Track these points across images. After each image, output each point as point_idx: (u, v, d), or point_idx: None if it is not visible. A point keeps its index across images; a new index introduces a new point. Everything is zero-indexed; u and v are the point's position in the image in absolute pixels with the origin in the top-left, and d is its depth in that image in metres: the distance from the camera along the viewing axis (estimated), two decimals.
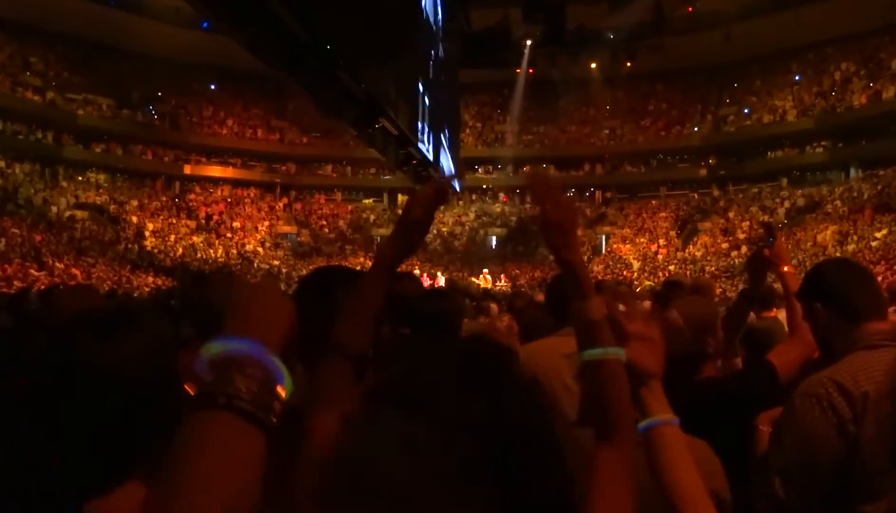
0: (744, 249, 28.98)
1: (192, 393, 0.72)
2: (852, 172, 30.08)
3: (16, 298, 6.06)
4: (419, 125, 15.94)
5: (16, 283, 17.87)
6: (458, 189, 25.12)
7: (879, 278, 15.91)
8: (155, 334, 0.95)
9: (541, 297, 8.19)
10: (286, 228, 36.47)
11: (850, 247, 24.41)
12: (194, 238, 32.94)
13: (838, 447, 1.55)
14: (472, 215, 38.46)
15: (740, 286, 21.43)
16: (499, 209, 38.56)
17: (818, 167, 31.59)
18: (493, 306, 6.85)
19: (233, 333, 0.77)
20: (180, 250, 31.15)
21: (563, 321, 3.14)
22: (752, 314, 5.28)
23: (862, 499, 1.48)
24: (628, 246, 33.25)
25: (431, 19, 17.08)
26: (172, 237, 32.21)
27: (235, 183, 37.76)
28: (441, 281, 24.83)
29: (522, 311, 5.47)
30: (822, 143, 30.96)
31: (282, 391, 0.76)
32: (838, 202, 28.49)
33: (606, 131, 37.61)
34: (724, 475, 1.65)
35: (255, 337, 0.77)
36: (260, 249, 34.18)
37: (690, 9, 30.60)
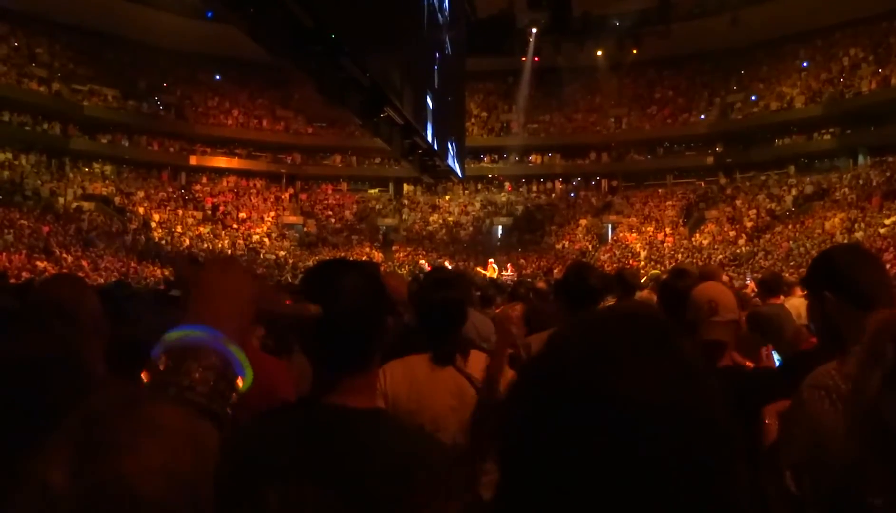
0: (743, 239, 28.90)
1: (145, 381, 0.71)
2: (860, 158, 29.86)
3: (21, 289, 6.07)
4: (424, 114, 15.88)
5: (24, 274, 17.96)
6: (461, 177, 25.03)
7: (888, 266, 15.82)
8: (61, 338, 0.92)
9: (542, 284, 8.15)
10: (292, 219, 36.50)
11: (859, 234, 24.26)
12: (200, 229, 33.02)
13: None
14: (477, 205, 38.40)
15: (748, 275, 21.21)
16: (504, 198, 38.50)
17: (826, 154, 31.37)
18: (498, 299, 6.78)
19: (193, 320, 0.74)
20: (187, 241, 31.25)
21: (572, 311, 3.12)
22: (758, 299, 5.27)
23: (872, 491, 1.46)
24: (634, 234, 33.15)
25: (436, 7, 16.99)
26: (179, 228, 32.30)
27: (241, 173, 37.79)
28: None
29: (526, 299, 5.45)
30: (831, 129, 30.72)
31: (241, 383, 0.73)
32: (846, 189, 28.30)
33: (612, 119, 37.43)
34: None
35: (215, 325, 0.74)
36: (266, 240, 34.24)
37: None
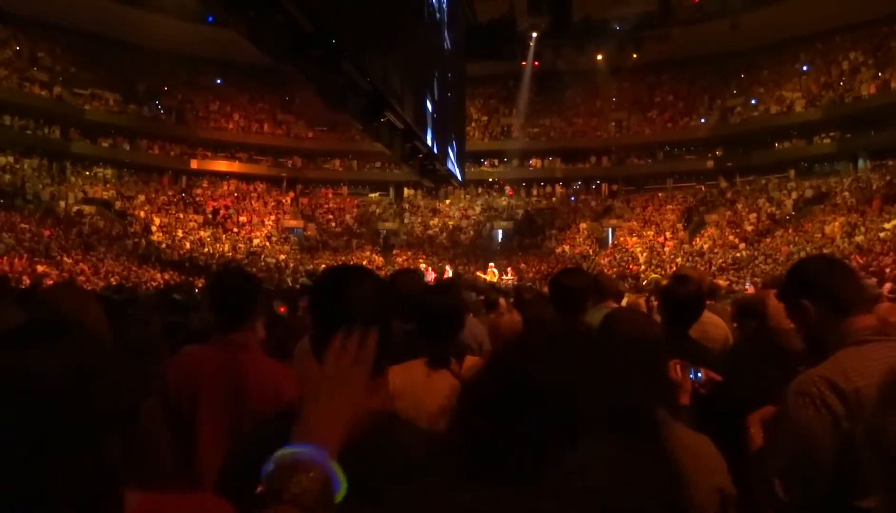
0: (743, 243, 28.87)
1: (260, 487, 0.90)
2: (861, 162, 29.87)
3: (25, 293, 6.09)
4: (425, 118, 15.90)
5: (24, 278, 17.97)
6: (461, 181, 25.07)
7: (888, 271, 15.81)
8: (85, 349, 0.92)
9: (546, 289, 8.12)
10: (293, 223, 36.52)
11: (859, 238, 24.27)
12: (201, 233, 33.04)
13: (834, 444, 1.56)
14: (478, 209, 38.41)
15: (748, 279, 21.17)
16: (505, 202, 38.51)
17: (826, 158, 31.38)
18: (502, 301, 6.75)
19: (303, 437, 0.95)
20: (187, 245, 31.25)
21: (569, 315, 3.14)
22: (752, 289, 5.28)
23: (860, 494, 1.48)
24: (635, 239, 33.15)
25: (437, 11, 17.03)
26: (180, 232, 32.31)
27: (242, 177, 37.81)
28: (449, 274, 24.81)
29: (528, 305, 5.44)
30: (830, 133, 30.73)
31: (337, 496, 0.92)
32: (846, 193, 28.30)
33: (613, 123, 37.45)
34: (726, 471, 1.66)
35: (323, 442, 0.94)
36: (267, 244, 34.25)
37: None
